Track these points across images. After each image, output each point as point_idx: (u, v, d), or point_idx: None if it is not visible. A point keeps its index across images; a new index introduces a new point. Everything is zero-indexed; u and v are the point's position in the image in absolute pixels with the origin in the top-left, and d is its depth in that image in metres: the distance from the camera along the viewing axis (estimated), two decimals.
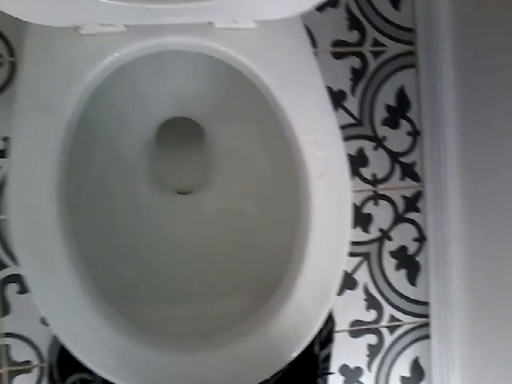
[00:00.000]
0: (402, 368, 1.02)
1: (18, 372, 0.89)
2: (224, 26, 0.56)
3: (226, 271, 0.67)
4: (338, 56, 0.97)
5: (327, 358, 0.93)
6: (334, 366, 0.97)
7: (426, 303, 1.02)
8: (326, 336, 0.93)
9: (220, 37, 0.56)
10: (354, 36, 0.98)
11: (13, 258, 0.88)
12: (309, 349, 0.88)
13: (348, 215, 0.55)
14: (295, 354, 0.55)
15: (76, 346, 0.53)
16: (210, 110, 0.71)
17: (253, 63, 0.56)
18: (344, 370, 0.99)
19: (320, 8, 0.95)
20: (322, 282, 0.55)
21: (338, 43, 0.97)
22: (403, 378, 1.02)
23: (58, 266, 0.53)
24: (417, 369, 1.02)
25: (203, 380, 0.53)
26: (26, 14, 0.49)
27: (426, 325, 1.02)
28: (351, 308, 0.99)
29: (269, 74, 0.56)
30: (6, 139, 0.87)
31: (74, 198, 0.58)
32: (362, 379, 1.00)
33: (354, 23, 0.97)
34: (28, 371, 0.89)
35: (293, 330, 0.55)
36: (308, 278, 0.55)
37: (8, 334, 0.89)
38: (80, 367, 0.84)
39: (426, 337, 1.02)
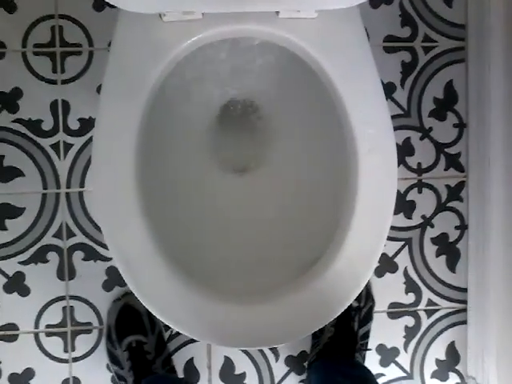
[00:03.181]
0: (438, 351, 1.03)
1: (80, 332, 0.96)
2: (288, 16, 0.62)
3: (278, 240, 0.72)
4: (389, 50, 1.01)
5: (365, 335, 0.97)
6: (372, 345, 1.00)
7: (464, 289, 1.04)
8: (365, 314, 0.97)
9: (284, 25, 0.62)
10: (405, 32, 1.01)
11: (80, 227, 0.96)
12: (349, 325, 0.94)
13: (393, 189, 0.59)
14: (344, 308, 0.59)
15: (146, 297, 0.59)
16: (269, 93, 0.76)
17: (312, 49, 0.61)
18: (381, 349, 1.02)
19: (375, 5, 0.99)
20: (367, 247, 0.59)
21: (390, 38, 1.01)
22: (438, 361, 1.04)
23: (133, 227, 0.59)
24: (452, 353, 1.04)
25: (258, 329, 0.59)
26: (121, 2, 0.57)
27: (463, 310, 1.04)
28: (391, 290, 1.02)
29: (326, 58, 0.61)
30: (80, 120, 0.95)
31: (147, 171, 0.64)
32: (397, 359, 1.02)
33: (407, 19, 1.01)
34: (89, 332, 0.96)
35: (342, 285, 0.59)
36: (354, 243, 0.59)
37: (73, 297, 0.96)
38: (136, 330, 0.92)
39: (463, 322, 1.04)
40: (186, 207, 0.75)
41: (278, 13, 0.61)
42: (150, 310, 0.59)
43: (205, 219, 0.76)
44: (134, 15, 0.60)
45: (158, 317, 0.59)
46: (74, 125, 0.95)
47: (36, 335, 0.96)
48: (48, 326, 0.96)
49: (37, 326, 0.96)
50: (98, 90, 0.95)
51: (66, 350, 0.96)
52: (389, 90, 1.00)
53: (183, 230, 0.73)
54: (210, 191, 0.79)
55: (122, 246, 0.59)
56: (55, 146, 0.95)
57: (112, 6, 0.92)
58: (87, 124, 0.96)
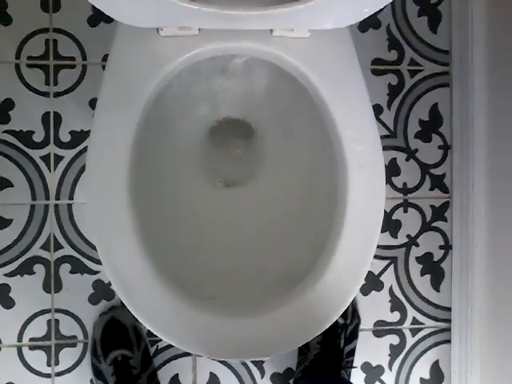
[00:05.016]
0: (422, 370, 1.04)
1: (65, 345, 0.95)
2: (281, 34, 0.63)
3: (267, 254, 0.73)
4: (376, 73, 1.04)
5: (351, 353, 0.97)
6: (357, 363, 1.00)
7: (448, 308, 1.05)
8: (351, 332, 0.97)
9: (277, 43, 0.64)
10: (392, 55, 1.04)
11: (68, 240, 0.96)
12: (335, 342, 0.94)
13: (382, 205, 0.61)
14: (332, 321, 0.59)
15: (136, 309, 0.59)
16: (261, 110, 0.78)
17: (304, 67, 0.63)
18: (366, 367, 1.02)
19: (363, 29, 1.03)
20: (356, 262, 0.61)
21: (377, 61, 1.04)
22: (423, 380, 1.04)
23: (126, 242, 0.59)
24: (436, 371, 1.05)
25: (247, 342, 0.60)
26: (119, 15, 0.58)
27: (448, 329, 1.05)
28: (376, 308, 1.03)
29: (318, 77, 0.63)
30: (72, 132, 0.96)
31: (141, 184, 0.64)
32: (382, 377, 1.03)
33: (394, 44, 1.04)
34: (73, 345, 0.95)
35: (330, 299, 0.60)
36: (342, 258, 0.60)
37: (58, 310, 0.95)
38: (121, 344, 0.91)
39: (447, 341, 1.05)
40: (177, 221, 0.76)
41: (272, 31, 0.63)
42: (143, 323, 0.59)
43: (196, 233, 0.77)
44: (132, 29, 0.61)
45: (149, 329, 0.59)
46: (65, 137, 0.96)
47: (19, 349, 0.94)
48: (32, 340, 0.95)
49: (20, 339, 0.94)
50: (90, 103, 0.96)
51: (49, 364, 0.95)
52: (376, 111, 1.00)
53: (175, 244, 0.73)
54: (202, 206, 0.80)
55: (117, 263, 0.60)
56: (45, 158, 0.96)
57: (109, 21, 0.94)
58: (78, 137, 0.96)
